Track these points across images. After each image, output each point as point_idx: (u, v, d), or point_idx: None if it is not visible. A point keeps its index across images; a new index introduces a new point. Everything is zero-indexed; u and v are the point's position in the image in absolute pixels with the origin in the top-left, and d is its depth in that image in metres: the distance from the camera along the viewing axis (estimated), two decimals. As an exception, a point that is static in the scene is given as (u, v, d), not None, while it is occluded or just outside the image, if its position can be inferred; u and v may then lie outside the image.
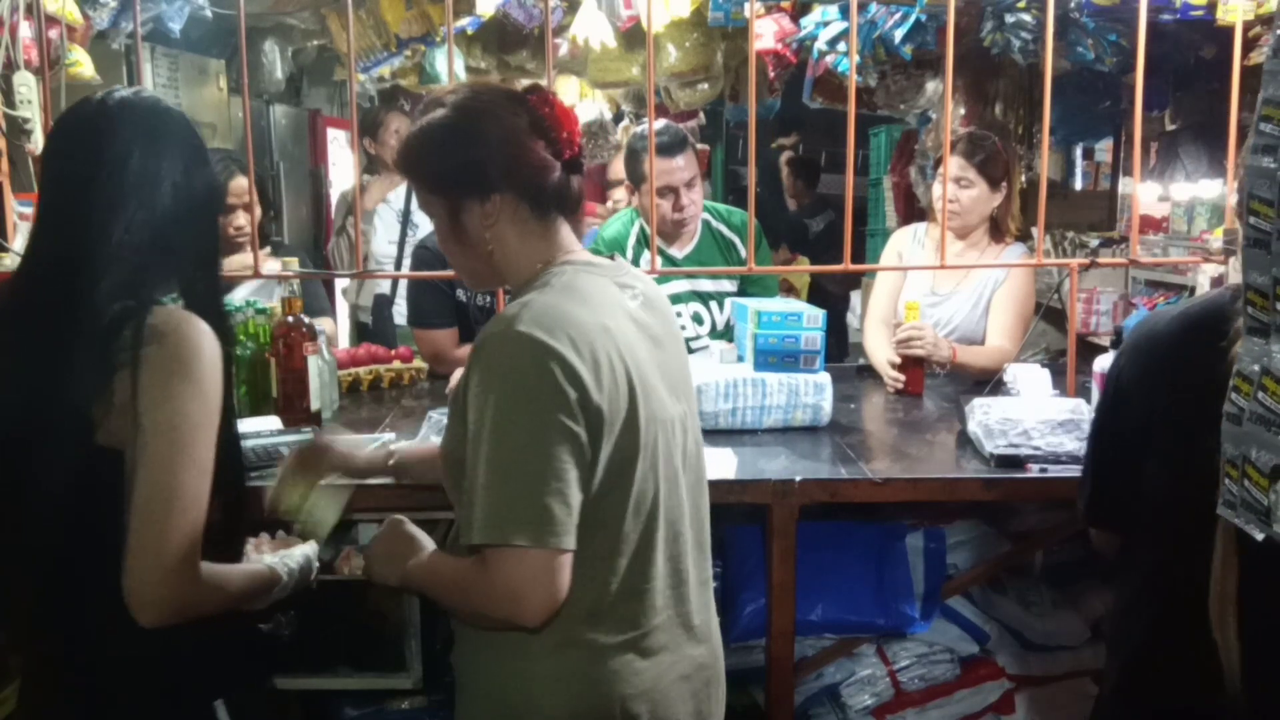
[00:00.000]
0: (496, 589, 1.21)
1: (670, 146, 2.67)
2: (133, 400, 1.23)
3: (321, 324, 2.80)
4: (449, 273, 2.49)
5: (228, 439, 1.37)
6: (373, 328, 3.98)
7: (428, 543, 1.42)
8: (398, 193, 4.03)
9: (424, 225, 3.82)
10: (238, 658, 1.43)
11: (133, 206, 1.30)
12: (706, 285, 2.87)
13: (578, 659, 1.29)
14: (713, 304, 2.86)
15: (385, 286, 3.96)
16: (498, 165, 1.33)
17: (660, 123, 2.77)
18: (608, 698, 1.30)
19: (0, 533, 1.32)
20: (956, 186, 2.71)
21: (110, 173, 1.31)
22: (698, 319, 2.86)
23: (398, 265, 3.89)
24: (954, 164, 2.69)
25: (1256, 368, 1.10)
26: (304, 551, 1.52)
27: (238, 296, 2.49)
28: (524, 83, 1.43)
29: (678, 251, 2.85)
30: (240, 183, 2.73)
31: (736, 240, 2.87)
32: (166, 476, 1.23)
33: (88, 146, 1.33)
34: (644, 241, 2.78)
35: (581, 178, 1.39)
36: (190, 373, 1.26)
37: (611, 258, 1.44)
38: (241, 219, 2.74)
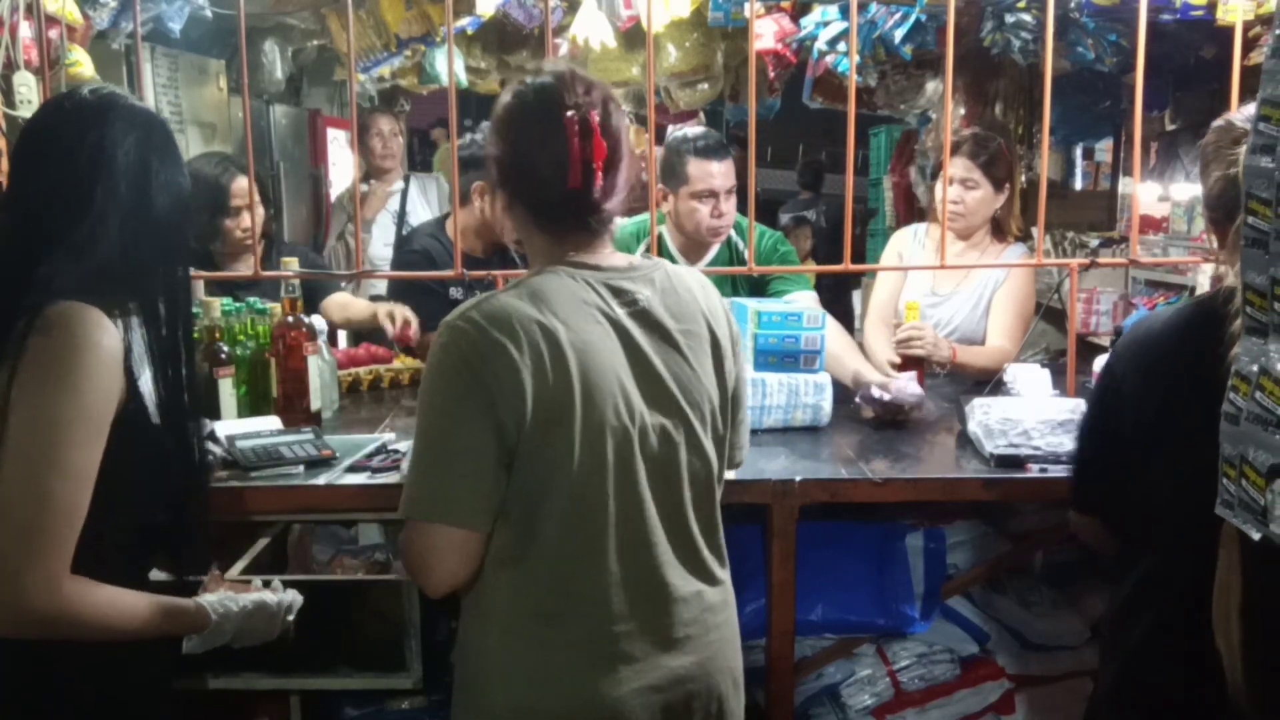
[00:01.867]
0: (409, 558, 1.33)
1: (715, 150, 2.58)
2: (6, 392, 1.18)
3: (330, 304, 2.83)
4: (447, 272, 2.51)
5: (177, 442, 1.34)
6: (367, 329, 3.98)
7: None
8: (394, 197, 4.04)
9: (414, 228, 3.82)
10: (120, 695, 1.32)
11: (68, 204, 1.27)
12: None
13: (524, 651, 1.33)
14: None
15: (381, 288, 3.96)
16: (504, 168, 1.39)
17: (701, 128, 2.74)
18: (553, 695, 1.33)
19: None
20: (962, 188, 2.70)
21: (46, 171, 1.29)
22: None
23: (394, 268, 3.88)
24: (960, 165, 2.68)
25: (1255, 368, 1.10)
26: (257, 598, 1.44)
27: None
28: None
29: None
30: (241, 184, 2.72)
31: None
32: (26, 477, 1.16)
33: (34, 145, 1.33)
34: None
35: (590, 205, 1.36)
36: (68, 369, 1.19)
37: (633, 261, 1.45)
38: (246, 220, 2.73)
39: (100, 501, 1.22)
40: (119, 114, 1.33)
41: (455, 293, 2.79)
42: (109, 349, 1.24)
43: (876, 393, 2.19)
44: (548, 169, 1.34)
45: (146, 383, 1.34)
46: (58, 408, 1.18)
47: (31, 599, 1.16)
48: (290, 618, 1.49)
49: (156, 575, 1.45)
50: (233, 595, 1.42)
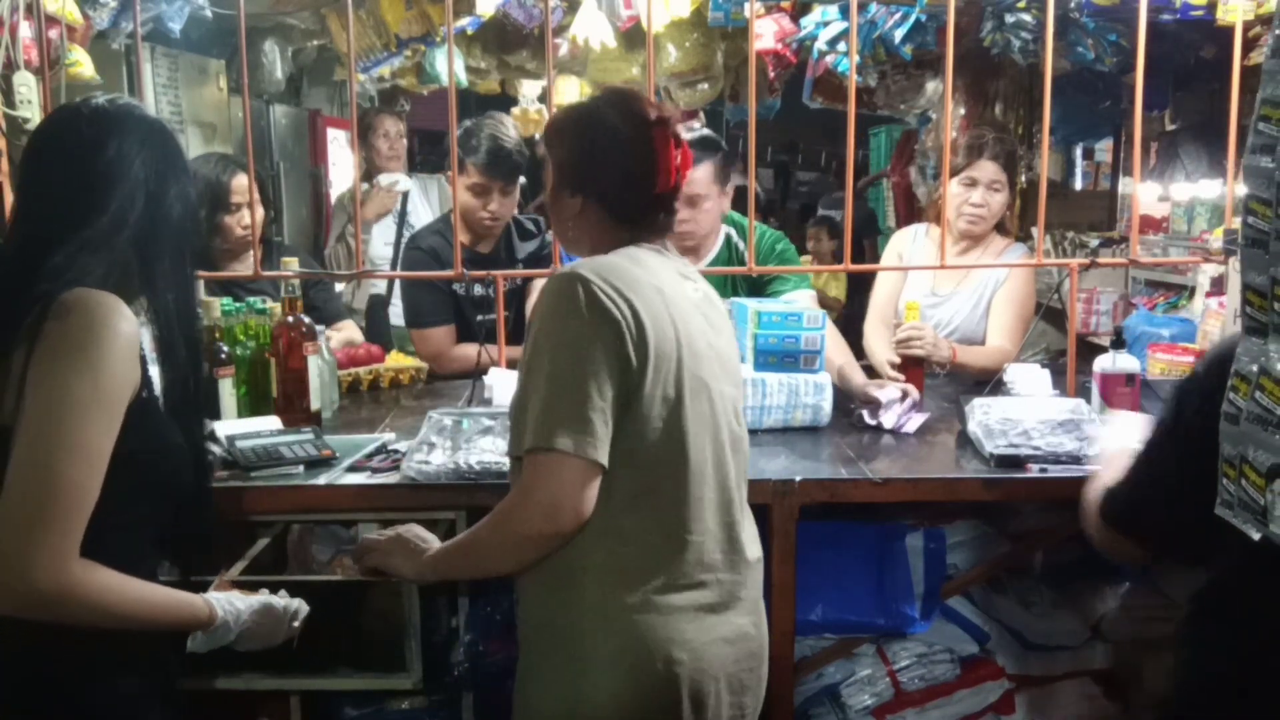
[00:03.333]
0: (536, 494, 1.31)
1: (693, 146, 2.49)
2: (22, 375, 1.19)
3: (342, 327, 2.82)
4: (447, 272, 2.52)
5: (183, 436, 1.35)
6: (368, 329, 3.98)
7: (437, 542, 1.54)
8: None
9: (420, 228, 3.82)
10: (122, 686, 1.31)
11: (85, 206, 1.29)
12: None
13: (627, 595, 1.37)
14: None
15: (381, 287, 3.96)
16: (584, 172, 1.47)
17: (688, 131, 2.69)
18: (652, 638, 1.37)
19: None
20: (989, 191, 2.71)
21: (67, 174, 1.32)
22: None
23: (394, 267, 3.88)
24: (989, 169, 2.69)
25: (1255, 368, 1.10)
26: (265, 599, 1.45)
27: None
28: (667, 103, 1.51)
29: None
30: (242, 180, 2.72)
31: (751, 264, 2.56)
32: (38, 456, 1.17)
33: (53, 147, 1.35)
34: None
35: (671, 207, 1.49)
36: (85, 351, 1.20)
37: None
38: (248, 217, 2.74)
39: (108, 492, 1.22)
40: (137, 125, 1.36)
41: (459, 288, 2.80)
42: (126, 334, 1.25)
43: (870, 420, 2.21)
44: (637, 173, 1.44)
45: (157, 375, 1.35)
46: (73, 389, 1.19)
47: (37, 577, 1.16)
48: (295, 624, 1.50)
49: (164, 576, 1.45)
50: (240, 595, 1.43)
